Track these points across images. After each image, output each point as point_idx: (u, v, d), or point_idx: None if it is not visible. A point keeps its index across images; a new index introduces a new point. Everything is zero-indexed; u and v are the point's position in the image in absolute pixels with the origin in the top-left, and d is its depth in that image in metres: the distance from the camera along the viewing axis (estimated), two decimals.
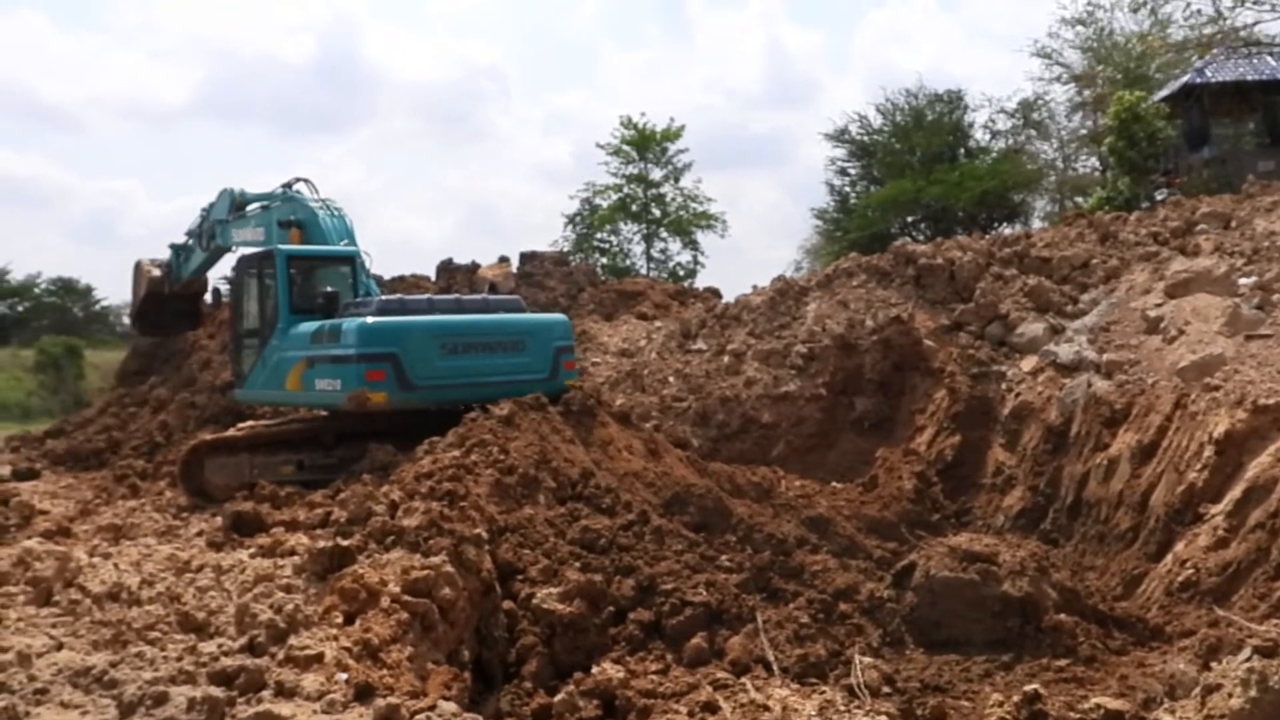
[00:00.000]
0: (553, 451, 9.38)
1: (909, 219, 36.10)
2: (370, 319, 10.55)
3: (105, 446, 15.31)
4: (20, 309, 42.30)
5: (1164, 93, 27.99)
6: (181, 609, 5.94)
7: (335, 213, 12.78)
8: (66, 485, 13.01)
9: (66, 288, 43.60)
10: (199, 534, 8.72)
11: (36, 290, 42.78)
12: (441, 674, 5.78)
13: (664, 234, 38.14)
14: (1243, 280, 12.33)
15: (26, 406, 25.58)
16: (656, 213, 37.99)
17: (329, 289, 11.69)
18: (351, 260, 12.23)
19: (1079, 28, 36.65)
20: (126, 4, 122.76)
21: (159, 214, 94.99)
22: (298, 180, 13.33)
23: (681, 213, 38.07)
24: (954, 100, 38.24)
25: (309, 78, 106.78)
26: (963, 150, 37.78)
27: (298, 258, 12.05)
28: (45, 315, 41.69)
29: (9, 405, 25.52)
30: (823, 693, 6.54)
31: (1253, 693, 4.39)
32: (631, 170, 37.99)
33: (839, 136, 39.63)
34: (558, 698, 5.99)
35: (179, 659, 5.10)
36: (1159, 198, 24.00)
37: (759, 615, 7.56)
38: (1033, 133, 39.27)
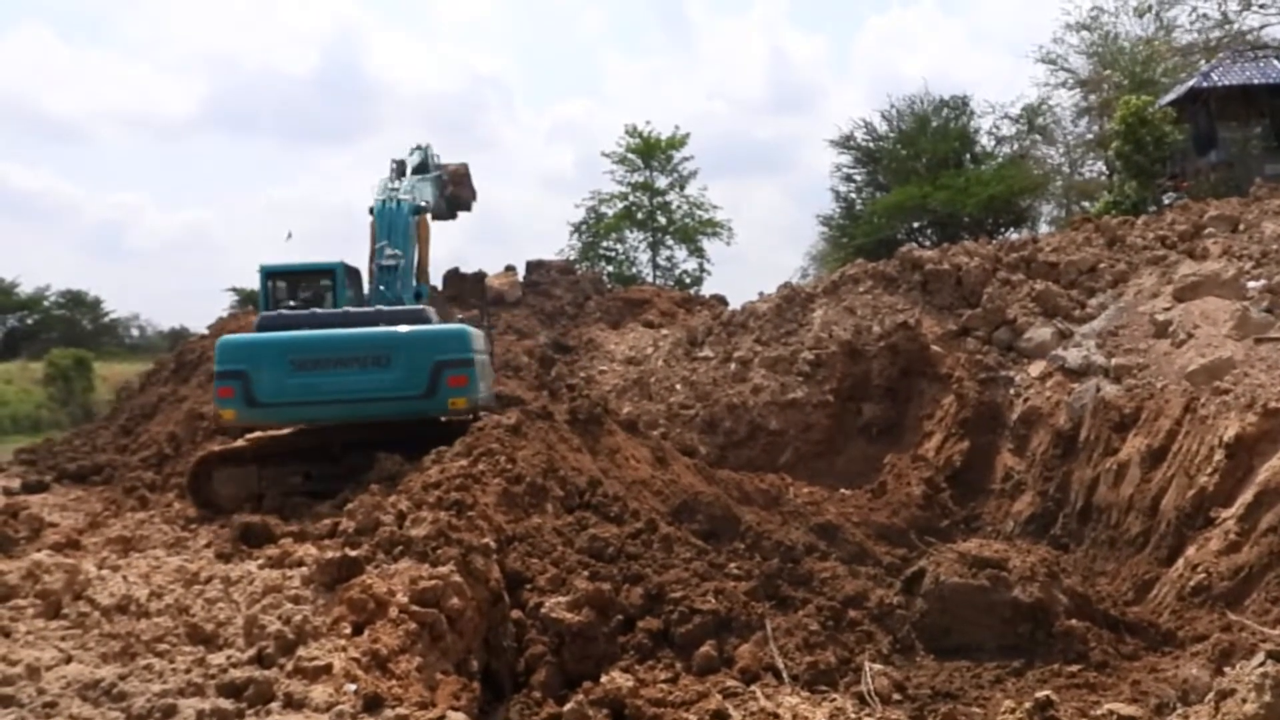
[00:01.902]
0: (560, 460, 9.38)
1: (915, 225, 36.06)
2: (232, 336, 10.61)
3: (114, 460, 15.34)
4: (30, 322, 42.56)
5: (1170, 97, 27.98)
6: (190, 621, 5.93)
7: (396, 205, 12.56)
8: (75, 498, 13.02)
9: (75, 300, 43.89)
10: (207, 545, 8.71)
11: (46, 303, 43.04)
12: (450, 684, 5.76)
13: (670, 242, 38.21)
14: (1251, 283, 12.30)
15: (36, 419, 25.67)
16: (662, 220, 38.07)
17: (290, 303, 11.73)
18: (332, 272, 12.19)
19: (1084, 33, 36.67)
20: (132, 17, 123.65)
21: (167, 226, 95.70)
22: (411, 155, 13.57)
23: (687, 220, 38.15)
24: (959, 106, 38.23)
25: (314, 89, 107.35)
26: (968, 156, 37.73)
27: (275, 273, 12.27)
28: (54, 328, 41.94)
29: (19, 418, 25.60)
30: (833, 700, 6.51)
31: (1267, 697, 4.36)
32: (637, 178, 38.10)
33: (844, 143, 39.60)
34: (567, 707, 5.97)
35: (188, 671, 5.09)
36: (1166, 201, 23.97)
37: (768, 623, 7.53)
38: (1038, 138, 39.24)
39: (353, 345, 10.39)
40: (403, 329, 10.56)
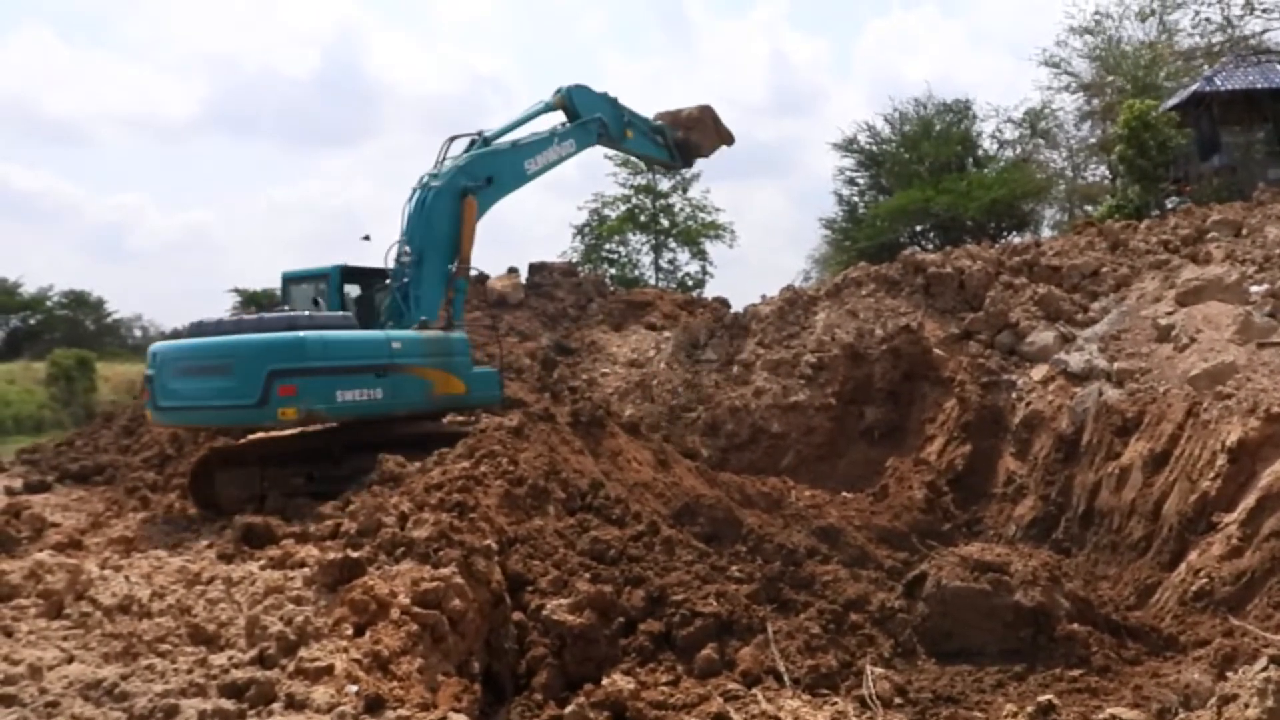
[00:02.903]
0: (562, 462, 9.38)
1: (918, 228, 36.04)
2: (158, 343, 11.05)
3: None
4: (32, 322, 42.58)
5: (1173, 101, 27.93)
6: (192, 621, 5.94)
7: (426, 195, 12.19)
8: (78, 498, 13.04)
9: (78, 301, 43.88)
10: (209, 546, 8.72)
11: (48, 303, 43.04)
12: (451, 685, 5.77)
13: (672, 244, 38.21)
14: (1254, 288, 12.29)
15: (39, 419, 25.67)
16: (665, 223, 38.06)
17: (285, 306, 11.83)
18: (326, 277, 12.23)
19: (1087, 36, 36.68)
20: (132, 18, 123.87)
21: (168, 227, 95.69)
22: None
23: (690, 223, 38.14)
24: (962, 110, 38.26)
25: (315, 90, 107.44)
26: (971, 160, 37.74)
27: (290, 279, 12.59)
28: (57, 328, 41.92)
29: (21, 418, 25.60)
30: (834, 704, 6.52)
31: (1269, 703, 4.36)
32: (639, 181, 38.07)
33: (847, 146, 39.60)
34: (568, 709, 5.97)
35: (189, 671, 5.10)
36: (1169, 206, 23.95)
37: (769, 626, 7.53)
38: (1040, 142, 39.25)
39: (202, 354, 10.57)
40: (238, 338, 10.51)
